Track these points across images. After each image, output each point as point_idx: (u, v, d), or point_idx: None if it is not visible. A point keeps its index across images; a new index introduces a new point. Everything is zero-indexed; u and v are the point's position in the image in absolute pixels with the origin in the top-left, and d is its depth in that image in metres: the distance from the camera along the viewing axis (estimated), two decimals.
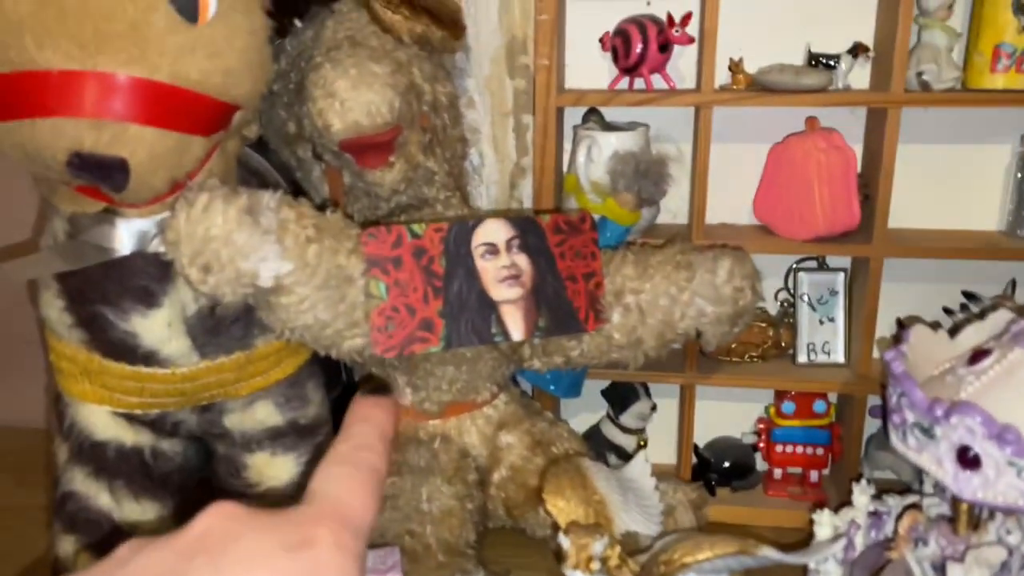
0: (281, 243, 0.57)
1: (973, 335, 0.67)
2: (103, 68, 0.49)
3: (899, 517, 0.68)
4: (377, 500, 0.35)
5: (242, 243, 0.56)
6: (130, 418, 0.64)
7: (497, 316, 0.66)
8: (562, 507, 0.63)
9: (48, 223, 0.62)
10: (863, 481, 0.70)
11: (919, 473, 0.79)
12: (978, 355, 0.61)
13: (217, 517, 0.31)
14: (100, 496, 0.63)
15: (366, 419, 0.38)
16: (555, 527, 0.74)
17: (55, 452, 0.66)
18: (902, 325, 0.85)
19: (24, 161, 0.52)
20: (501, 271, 0.66)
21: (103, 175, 0.50)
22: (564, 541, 0.56)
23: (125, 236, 0.58)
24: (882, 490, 0.72)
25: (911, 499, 0.70)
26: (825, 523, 0.65)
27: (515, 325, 0.66)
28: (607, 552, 0.56)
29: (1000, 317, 0.66)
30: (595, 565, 0.55)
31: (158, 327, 0.60)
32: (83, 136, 0.49)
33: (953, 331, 0.69)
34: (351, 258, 0.62)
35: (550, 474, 0.66)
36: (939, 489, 0.67)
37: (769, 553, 0.54)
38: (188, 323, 0.60)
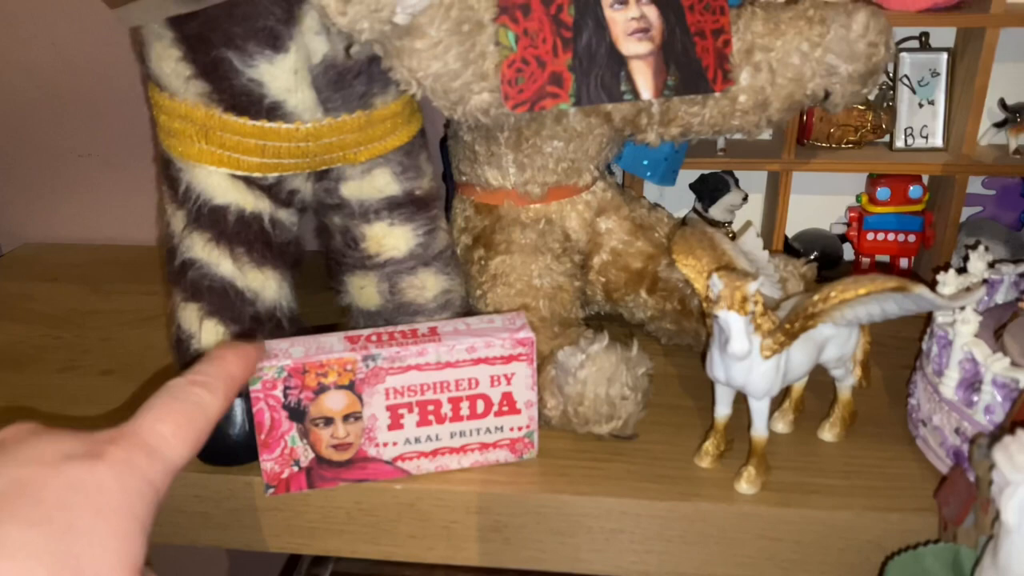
0: None
1: None
2: None
3: (1020, 278, 0.68)
4: (197, 435, 0.34)
5: None
6: (248, 182, 0.61)
7: (627, 72, 0.63)
8: (693, 264, 0.62)
9: None
10: (980, 247, 0.70)
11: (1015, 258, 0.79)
12: None
13: (15, 428, 0.32)
14: (222, 263, 0.61)
15: (213, 359, 0.38)
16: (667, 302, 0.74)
17: (168, 222, 0.63)
18: (1005, 107, 0.83)
19: None
20: (631, 23, 0.62)
21: None
22: (717, 283, 0.54)
23: None
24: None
25: None
26: (950, 283, 0.65)
27: (645, 83, 0.63)
28: (756, 296, 0.55)
29: None
30: (749, 306, 0.54)
31: (284, 74, 0.56)
32: None
33: None
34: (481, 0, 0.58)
35: (677, 236, 0.64)
36: None
37: (925, 294, 0.53)
38: (313, 73, 0.57)
